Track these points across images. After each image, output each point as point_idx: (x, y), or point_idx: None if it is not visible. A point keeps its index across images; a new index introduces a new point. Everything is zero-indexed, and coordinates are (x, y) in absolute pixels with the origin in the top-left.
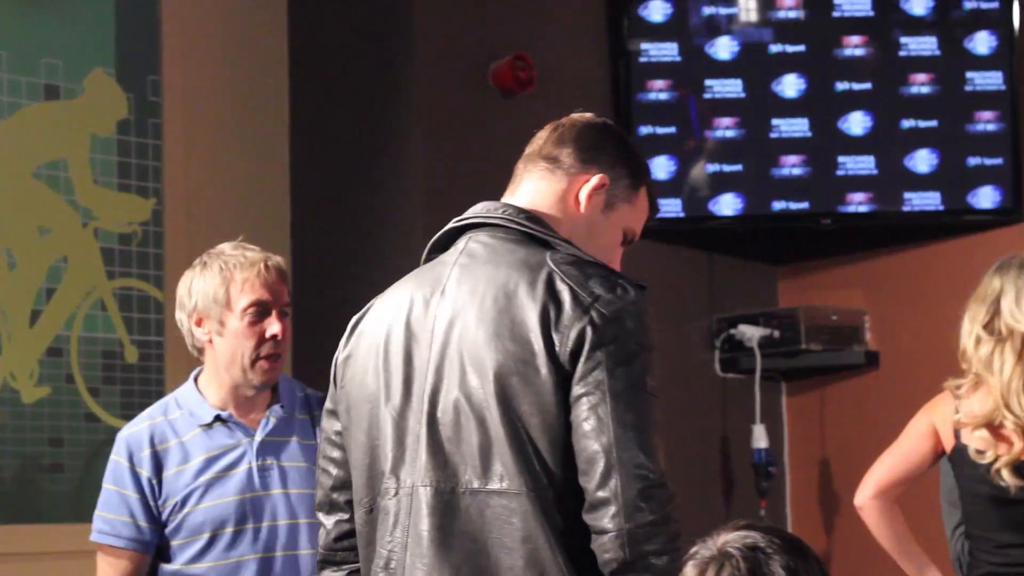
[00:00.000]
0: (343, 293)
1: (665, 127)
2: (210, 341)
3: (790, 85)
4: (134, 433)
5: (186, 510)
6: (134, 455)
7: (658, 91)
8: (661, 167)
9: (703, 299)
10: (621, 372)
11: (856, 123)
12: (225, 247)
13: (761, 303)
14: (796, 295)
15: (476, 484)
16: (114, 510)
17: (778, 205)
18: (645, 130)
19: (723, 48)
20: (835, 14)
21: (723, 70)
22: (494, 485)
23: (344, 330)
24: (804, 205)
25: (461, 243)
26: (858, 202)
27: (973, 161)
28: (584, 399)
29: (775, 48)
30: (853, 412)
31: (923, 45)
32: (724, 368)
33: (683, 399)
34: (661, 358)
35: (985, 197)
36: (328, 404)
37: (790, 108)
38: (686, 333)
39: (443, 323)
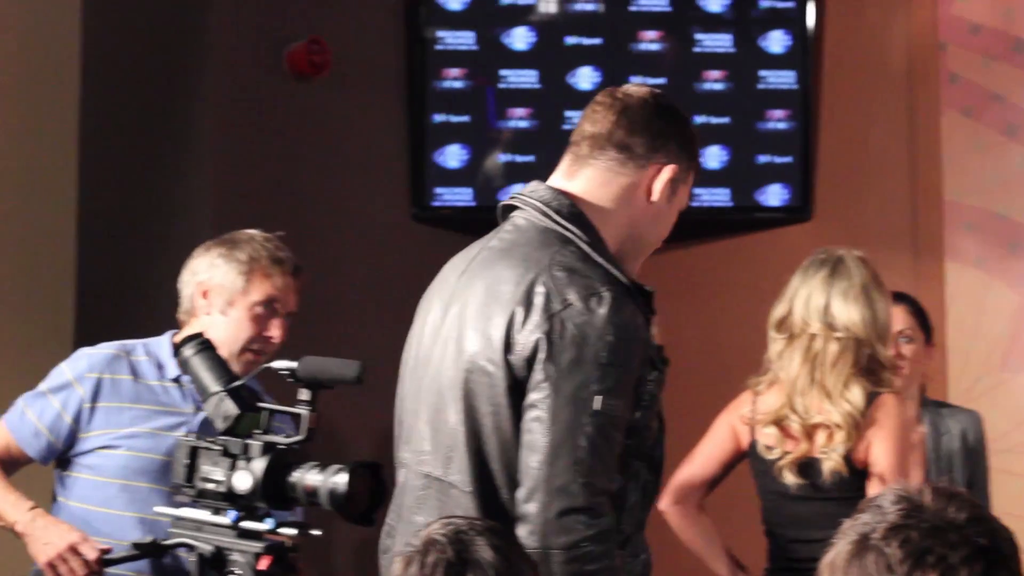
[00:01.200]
0: (133, 279)
1: (459, 116)
2: (208, 314)
3: (585, 77)
4: (95, 354)
5: (107, 450)
6: (82, 374)
7: (453, 79)
8: (454, 156)
9: None
10: (568, 390)
11: None
12: (257, 236)
13: None
14: None
15: (439, 473)
16: (36, 413)
17: None
18: (439, 118)
19: (519, 38)
20: (632, 8)
21: (519, 60)
22: (451, 477)
23: (131, 313)
24: None
25: (504, 224)
26: None
27: (763, 159)
28: (530, 409)
29: (571, 40)
30: None
31: (718, 42)
32: None
33: None
34: None
35: (774, 195)
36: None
37: (585, 100)
38: None
39: (452, 308)
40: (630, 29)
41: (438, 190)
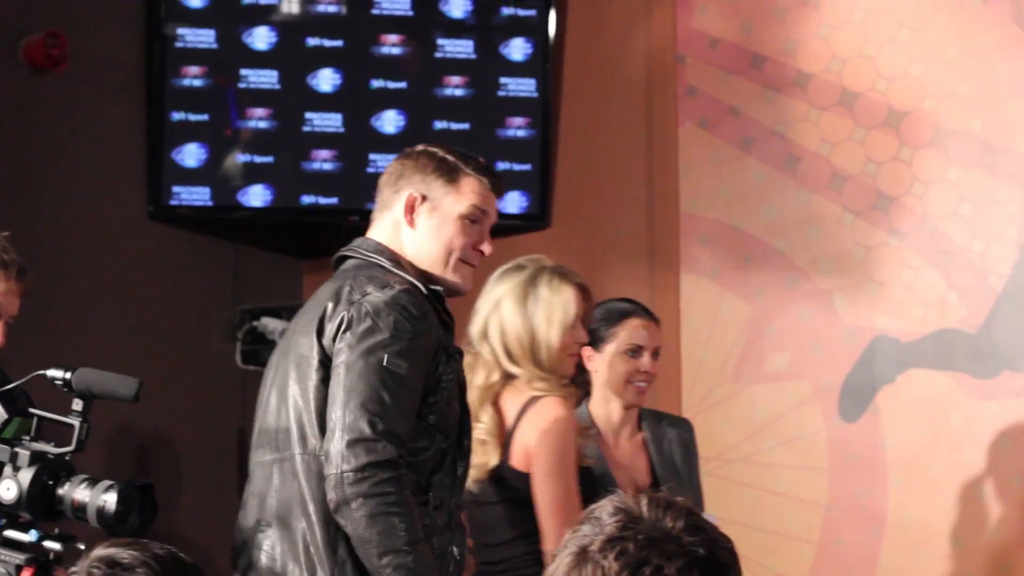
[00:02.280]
0: None
1: (198, 114)
2: None
3: (326, 79)
4: None
5: None
6: None
7: (193, 77)
8: (192, 155)
9: (226, 290)
10: (361, 349)
11: (389, 121)
12: None
13: (285, 296)
14: None
15: (270, 457)
16: None
17: (307, 199)
18: (178, 116)
19: (260, 38)
20: (374, 11)
21: (259, 60)
22: (288, 452)
23: None
24: (333, 201)
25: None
26: None
27: (503, 166)
28: (334, 370)
29: (312, 41)
30: None
31: (460, 48)
32: (245, 360)
33: (202, 390)
34: (180, 347)
35: (513, 202)
36: None
37: (324, 102)
38: (207, 324)
39: (283, 343)
40: (372, 32)
41: (175, 189)
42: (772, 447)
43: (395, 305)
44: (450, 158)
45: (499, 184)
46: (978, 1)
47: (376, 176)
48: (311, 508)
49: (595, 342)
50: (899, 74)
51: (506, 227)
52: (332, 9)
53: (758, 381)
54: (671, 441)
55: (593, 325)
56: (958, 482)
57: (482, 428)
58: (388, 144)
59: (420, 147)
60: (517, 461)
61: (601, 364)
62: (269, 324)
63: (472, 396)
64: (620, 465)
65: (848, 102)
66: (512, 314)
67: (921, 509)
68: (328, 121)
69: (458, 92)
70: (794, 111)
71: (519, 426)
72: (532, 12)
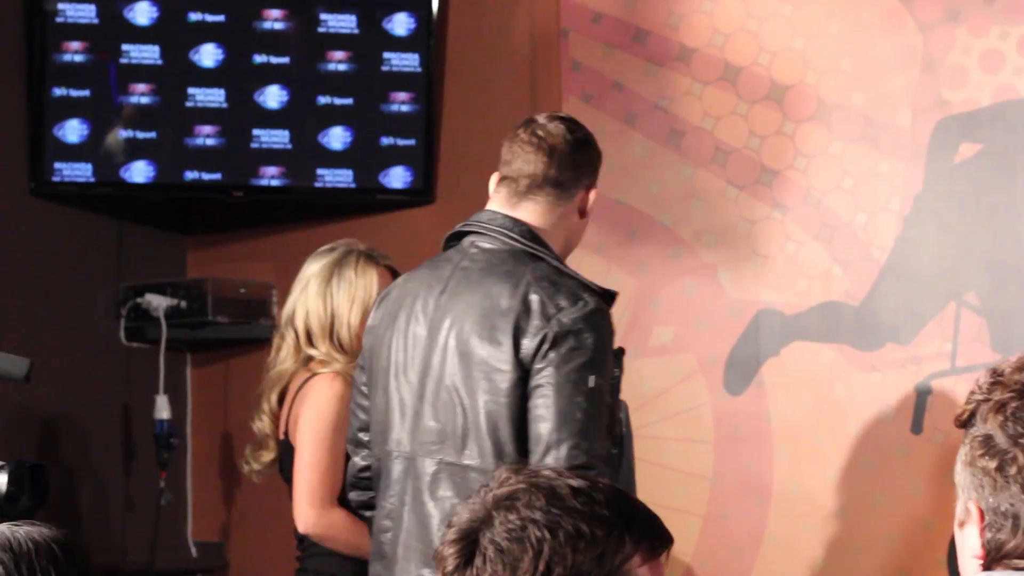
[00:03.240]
0: None
1: (79, 90)
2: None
3: (208, 55)
4: None
5: None
6: None
7: (74, 53)
8: (73, 131)
9: (110, 267)
10: (567, 370)
11: (272, 97)
12: None
13: (169, 273)
14: (205, 266)
15: (452, 458)
16: None
17: (191, 175)
18: (59, 92)
19: (141, 13)
20: None
21: (141, 35)
22: (466, 461)
23: None
24: (217, 176)
25: (465, 245)
26: (271, 176)
27: (386, 141)
28: (537, 390)
29: (194, 16)
30: (258, 385)
31: (342, 23)
32: (129, 337)
33: (86, 368)
34: (64, 325)
35: (397, 177)
36: (359, 360)
37: (207, 78)
38: (91, 301)
39: (444, 321)
40: (254, 7)
41: (58, 165)
42: (658, 420)
43: (592, 323)
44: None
45: None
46: None
47: (260, 151)
48: None
49: None
50: (782, 48)
51: (390, 202)
52: None
53: (644, 355)
54: None
55: None
56: (842, 454)
57: (265, 418)
58: (271, 119)
59: (582, 132)
60: (294, 439)
61: None
62: (153, 301)
63: (269, 380)
64: None
65: (731, 76)
66: (316, 295)
67: (806, 481)
68: (211, 96)
69: (341, 67)
70: (677, 85)
71: (295, 405)
72: None
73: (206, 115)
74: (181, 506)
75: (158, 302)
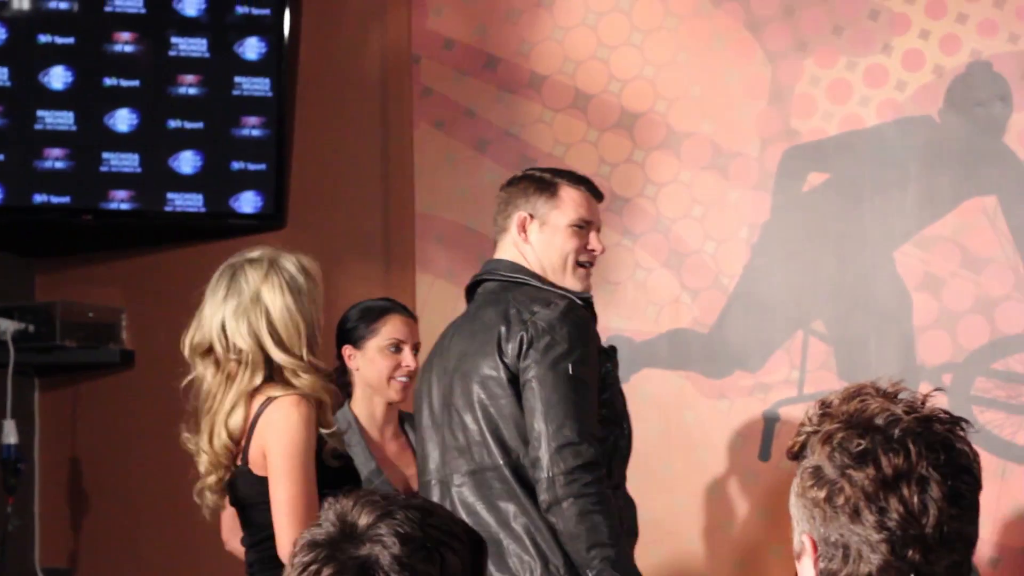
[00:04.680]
0: None
1: None
2: None
3: (57, 77)
4: None
5: None
6: None
7: None
8: None
9: None
10: (546, 363)
11: (122, 120)
12: None
13: (17, 296)
14: (54, 290)
15: (471, 467)
16: None
17: (39, 198)
18: None
19: None
20: (107, 9)
21: None
22: (482, 464)
23: None
24: (66, 199)
25: (478, 292)
26: (121, 200)
27: (237, 165)
28: (525, 385)
29: (44, 38)
30: (107, 410)
31: (193, 46)
32: None
33: None
34: None
35: (247, 202)
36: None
37: (56, 100)
38: None
39: (452, 352)
40: (104, 30)
41: None
42: None
43: (564, 318)
44: (546, 176)
45: (595, 189)
46: (710, 5)
47: (110, 175)
48: (527, 505)
49: (355, 340)
50: (632, 76)
51: (240, 227)
52: (64, 6)
53: None
54: None
55: (352, 324)
56: (693, 481)
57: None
58: (121, 142)
59: (518, 174)
60: (255, 465)
61: (363, 361)
62: (0, 324)
63: (227, 401)
64: (390, 464)
65: (582, 104)
66: (281, 307)
67: (657, 509)
68: (60, 119)
69: (192, 91)
70: (528, 112)
71: (256, 428)
72: (266, 11)
73: (55, 138)
74: (28, 532)
75: (5, 325)
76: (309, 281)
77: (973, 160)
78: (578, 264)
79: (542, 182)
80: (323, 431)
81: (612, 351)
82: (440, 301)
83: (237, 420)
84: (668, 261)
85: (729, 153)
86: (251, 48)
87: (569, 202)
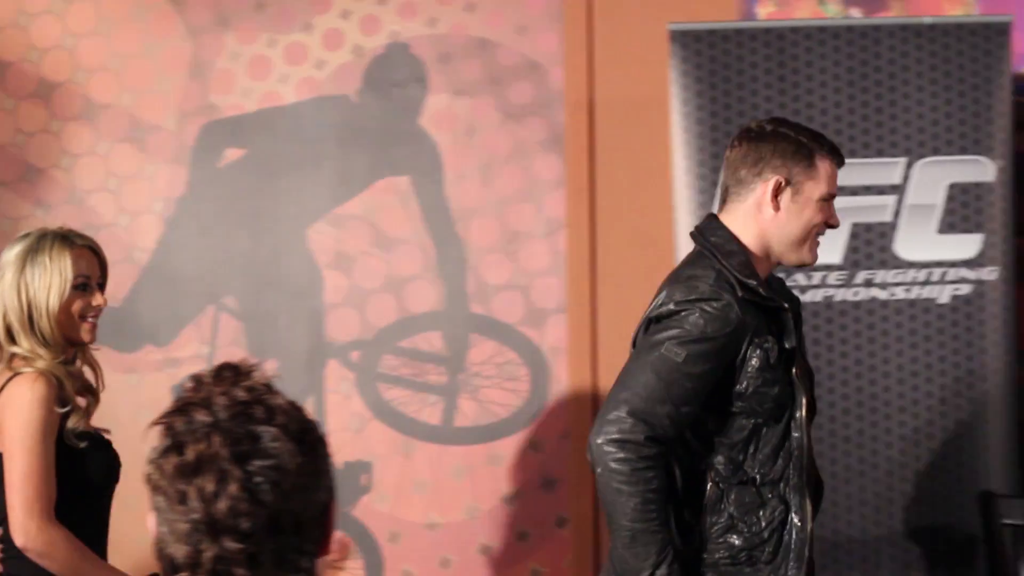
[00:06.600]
0: None
1: None
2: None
3: None
4: None
5: None
6: None
7: None
8: None
9: None
10: (649, 341)
11: None
12: None
13: None
14: None
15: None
16: None
17: None
18: None
19: None
20: None
21: None
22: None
23: None
24: None
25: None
26: None
27: None
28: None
29: None
30: None
31: None
32: None
33: None
34: None
35: None
36: None
37: None
38: None
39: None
40: None
41: None
42: None
43: (693, 307)
44: (803, 139)
45: (842, 160)
46: None
47: None
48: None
49: None
50: (52, 45)
51: None
52: None
53: None
54: None
55: None
56: None
57: None
58: None
59: (771, 127)
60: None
61: None
62: None
63: None
64: None
65: None
66: (10, 288)
67: None
68: None
69: None
70: None
71: None
72: None
73: None
74: None
75: None
76: (52, 263)
77: (389, 140)
78: (817, 237)
79: (800, 145)
80: (59, 410)
81: (771, 335)
82: None
83: None
84: (83, 232)
85: (147, 126)
86: None
87: (823, 174)
